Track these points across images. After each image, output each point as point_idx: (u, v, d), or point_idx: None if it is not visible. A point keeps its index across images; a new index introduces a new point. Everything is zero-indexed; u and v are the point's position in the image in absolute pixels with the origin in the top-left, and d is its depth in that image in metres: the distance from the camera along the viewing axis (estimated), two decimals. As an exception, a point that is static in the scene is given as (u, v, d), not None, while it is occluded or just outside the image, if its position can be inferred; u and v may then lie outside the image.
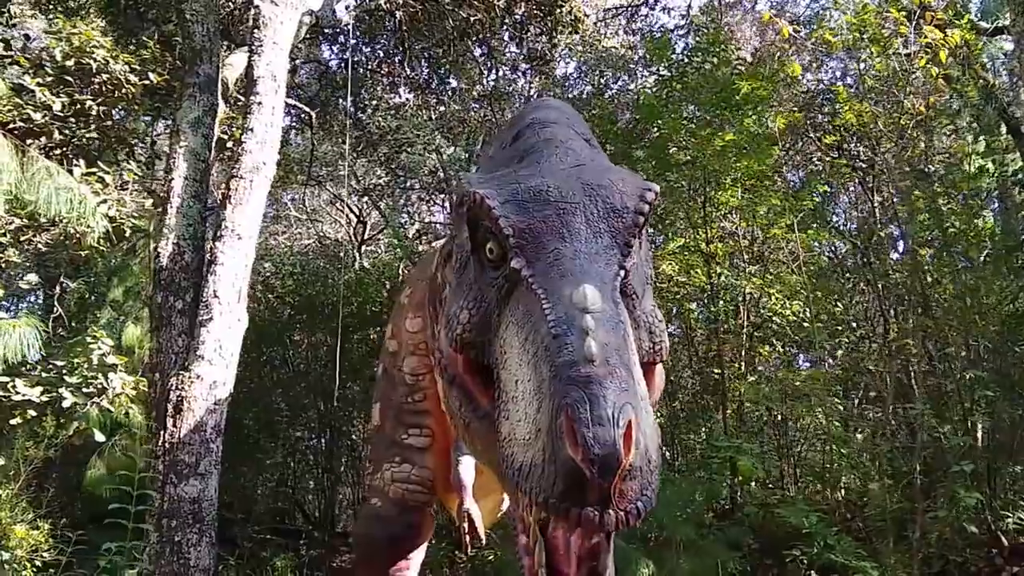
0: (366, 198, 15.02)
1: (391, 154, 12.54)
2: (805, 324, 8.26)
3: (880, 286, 8.51)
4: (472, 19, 9.75)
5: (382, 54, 11.03)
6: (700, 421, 8.96)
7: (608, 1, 13.48)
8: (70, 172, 5.82)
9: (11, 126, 5.74)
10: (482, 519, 3.20)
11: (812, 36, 9.89)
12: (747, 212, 8.74)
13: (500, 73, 12.08)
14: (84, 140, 6.39)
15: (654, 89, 9.71)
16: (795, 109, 9.70)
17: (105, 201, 5.96)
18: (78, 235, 6.11)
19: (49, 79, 6.14)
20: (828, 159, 10.06)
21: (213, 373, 5.44)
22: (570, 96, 12.17)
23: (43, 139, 6.07)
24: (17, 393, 5.40)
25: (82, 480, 7.65)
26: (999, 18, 10.47)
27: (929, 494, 6.36)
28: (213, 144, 6.60)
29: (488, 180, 1.90)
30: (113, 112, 6.84)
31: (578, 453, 1.29)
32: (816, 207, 9.33)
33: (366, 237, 15.58)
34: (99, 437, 6.11)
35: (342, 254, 13.98)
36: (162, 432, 5.25)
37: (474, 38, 10.48)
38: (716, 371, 8.50)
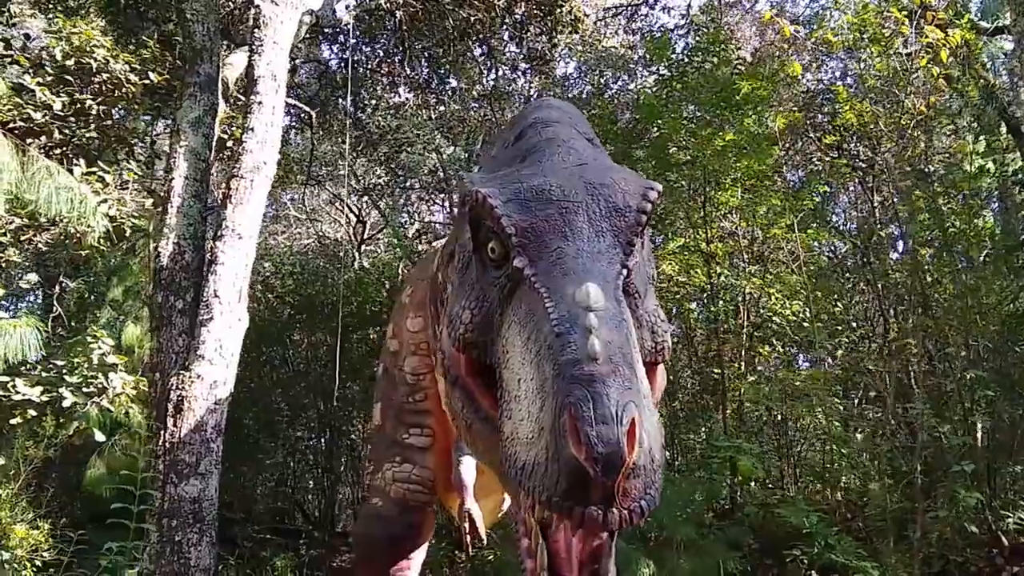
0: (366, 198, 15.02)
1: (391, 154, 12.54)
2: (805, 324, 8.26)
3: (880, 286, 8.52)
4: (472, 19, 9.75)
5: (382, 54, 11.03)
6: (700, 421, 8.96)
7: (608, 1, 13.49)
8: (70, 172, 5.81)
9: (11, 125, 5.74)
10: (483, 519, 3.19)
11: (812, 36, 9.89)
12: (747, 212, 8.74)
13: (500, 73, 12.08)
14: (84, 139, 6.39)
15: (654, 89, 9.71)
16: (795, 109, 9.70)
17: (105, 201, 5.95)
18: (78, 235, 6.10)
19: (49, 78, 6.13)
20: (828, 159, 10.07)
21: (214, 373, 5.44)
22: (570, 96, 12.17)
23: (43, 138, 6.06)
24: (17, 393, 5.40)
25: (82, 480, 7.64)
26: (999, 18, 10.47)
27: (929, 494, 6.36)
28: (213, 144, 6.60)
29: (490, 179, 1.90)
30: (113, 111, 6.84)
31: (581, 452, 1.28)
32: (816, 207, 9.33)
33: (366, 237, 15.58)
34: (99, 437, 6.09)
35: (342, 254, 13.98)
36: (163, 432, 5.25)
37: (474, 38, 10.48)
38: (716, 371, 8.49)
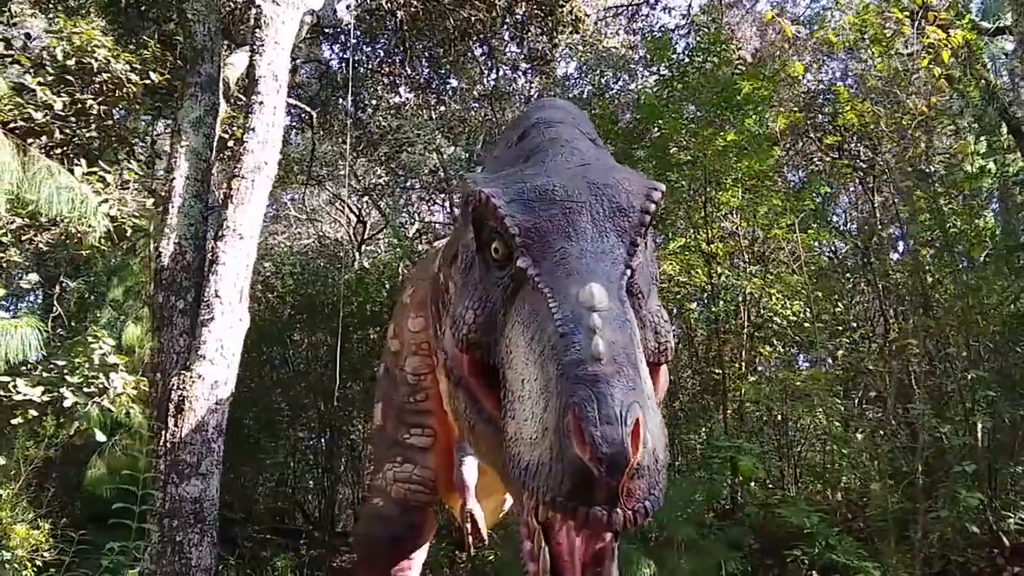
0: (366, 198, 15.01)
1: (391, 154, 12.53)
2: (806, 324, 8.26)
3: (881, 286, 8.52)
4: (473, 19, 9.75)
5: (383, 54, 11.03)
6: (700, 421, 8.95)
7: (609, 1, 13.48)
8: (71, 171, 5.81)
9: (12, 125, 5.73)
10: (484, 519, 3.19)
11: (814, 36, 9.89)
12: (748, 212, 8.74)
13: (501, 73, 12.08)
14: (85, 139, 6.38)
15: (655, 89, 9.70)
16: (796, 109, 9.70)
17: (106, 200, 5.95)
18: (79, 234, 6.10)
19: (50, 78, 6.13)
20: (829, 159, 10.06)
21: (215, 373, 5.44)
22: (571, 96, 12.15)
23: (44, 138, 6.06)
24: (18, 393, 5.40)
25: (83, 480, 7.65)
26: (1000, 18, 10.47)
27: (930, 494, 6.35)
28: (214, 144, 6.59)
29: (494, 179, 1.90)
30: (114, 111, 6.84)
31: (586, 452, 1.28)
32: (817, 207, 9.33)
33: (366, 237, 15.57)
34: (100, 437, 6.09)
35: (342, 254, 13.98)
36: (164, 432, 5.25)
37: (475, 38, 10.48)
38: (716, 371, 8.49)
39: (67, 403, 5.50)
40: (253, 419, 9.94)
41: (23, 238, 6.66)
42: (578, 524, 1.37)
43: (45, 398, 5.50)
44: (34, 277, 8.60)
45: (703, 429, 8.84)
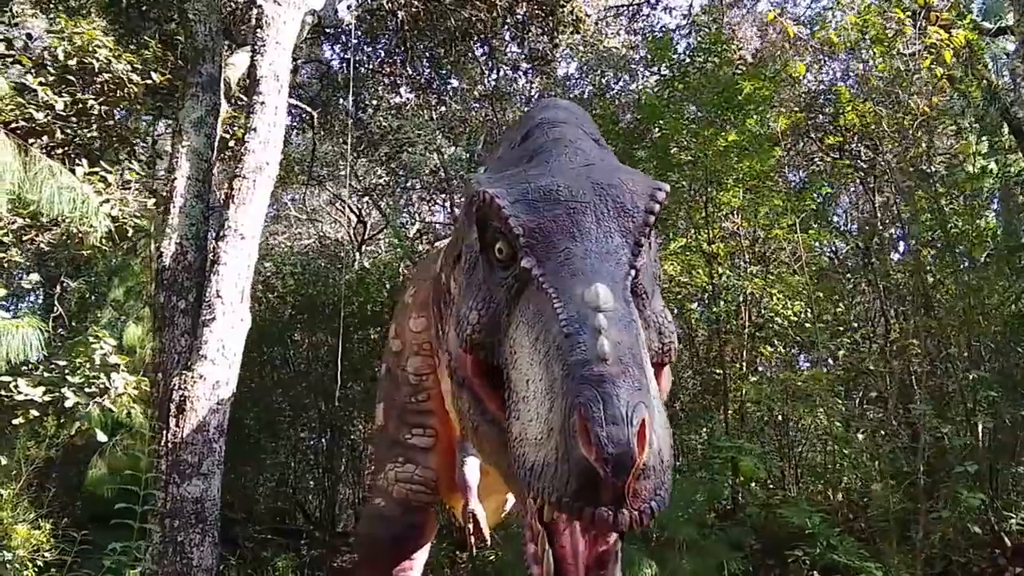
0: (367, 198, 15.02)
1: (392, 154, 12.54)
2: (807, 324, 8.25)
3: (882, 286, 8.51)
4: (474, 19, 9.76)
5: (383, 54, 11.03)
6: (701, 421, 8.94)
7: (610, 1, 13.49)
8: (72, 172, 5.81)
9: (13, 125, 5.74)
10: (486, 519, 3.19)
11: (815, 36, 9.89)
12: (749, 212, 8.74)
13: (501, 73, 12.08)
14: (86, 140, 6.39)
15: (656, 89, 9.70)
16: (797, 109, 9.69)
17: (107, 201, 5.95)
18: (80, 235, 6.10)
19: (51, 78, 6.13)
20: (830, 159, 10.06)
21: (216, 373, 5.44)
22: (571, 96, 12.16)
23: (45, 138, 6.06)
24: (19, 393, 5.40)
25: (84, 480, 7.65)
26: (1002, 18, 10.47)
27: (932, 494, 6.34)
28: (216, 144, 6.59)
29: (498, 180, 1.90)
30: (115, 111, 6.84)
31: (592, 452, 1.28)
32: (818, 207, 9.33)
33: (366, 237, 15.57)
34: (101, 437, 6.11)
35: (342, 254, 13.98)
36: (165, 432, 5.25)
37: (475, 38, 10.49)
38: (717, 371, 8.49)
39: (68, 403, 5.50)
40: (254, 419, 9.94)
41: (24, 238, 6.67)
42: (584, 525, 1.37)
43: (46, 398, 5.50)
44: (35, 277, 8.61)
45: (704, 429, 8.83)
